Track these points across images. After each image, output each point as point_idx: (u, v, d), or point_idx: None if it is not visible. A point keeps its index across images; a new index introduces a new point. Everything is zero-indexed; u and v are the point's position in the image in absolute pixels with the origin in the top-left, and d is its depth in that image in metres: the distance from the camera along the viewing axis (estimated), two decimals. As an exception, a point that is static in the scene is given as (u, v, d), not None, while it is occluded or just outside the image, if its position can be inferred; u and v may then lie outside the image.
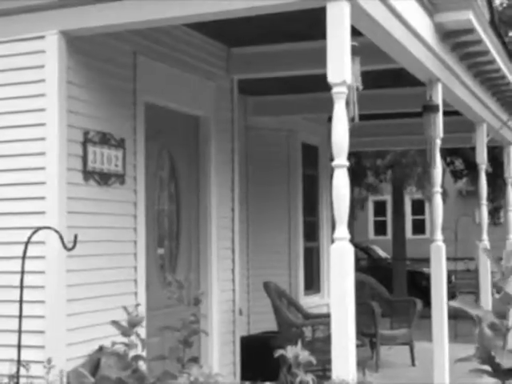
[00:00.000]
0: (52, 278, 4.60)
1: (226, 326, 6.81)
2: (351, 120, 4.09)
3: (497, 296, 3.13)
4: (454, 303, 3.20)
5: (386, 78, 7.52)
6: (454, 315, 11.44)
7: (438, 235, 6.12)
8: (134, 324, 3.38)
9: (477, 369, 3.04)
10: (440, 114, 6.04)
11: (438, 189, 6.14)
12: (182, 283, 3.68)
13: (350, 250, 3.89)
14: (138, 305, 4.25)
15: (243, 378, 7.07)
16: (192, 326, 3.54)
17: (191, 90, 6.43)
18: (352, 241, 3.99)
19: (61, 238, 4.21)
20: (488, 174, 8.55)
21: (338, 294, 3.85)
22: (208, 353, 6.49)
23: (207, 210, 6.65)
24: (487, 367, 2.95)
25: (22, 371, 4.01)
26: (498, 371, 2.89)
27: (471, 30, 5.80)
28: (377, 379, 7.77)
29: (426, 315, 7.29)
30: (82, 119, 4.96)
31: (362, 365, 6.88)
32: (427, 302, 6.70)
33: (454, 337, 10.86)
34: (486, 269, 8.18)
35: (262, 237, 8.85)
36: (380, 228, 31.35)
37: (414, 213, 30.66)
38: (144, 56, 5.71)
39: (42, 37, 4.72)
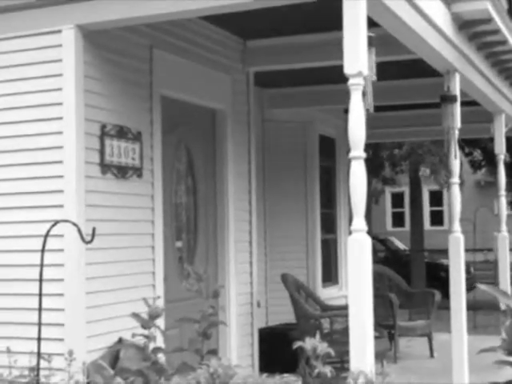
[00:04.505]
0: (71, 271, 4.63)
1: (244, 318, 6.83)
2: (366, 111, 4.07)
3: None
4: (485, 287, 3.14)
5: (404, 68, 7.48)
6: (473, 306, 11.39)
7: (457, 226, 6.09)
8: (154, 316, 3.40)
9: (502, 360, 3.01)
10: (458, 104, 6.01)
11: (456, 179, 6.10)
12: (201, 276, 3.69)
13: (367, 242, 3.88)
14: (157, 297, 4.27)
15: (261, 369, 7.09)
16: (211, 318, 3.55)
17: (207, 83, 6.44)
18: (370, 232, 3.98)
19: (79, 231, 4.23)
20: (507, 164, 8.49)
21: (356, 286, 3.84)
22: (226, 345, 6.51)
23: (224, 202, 6.66)
24: (513, 359, 2.92)
25: (43, 363, 4.04)
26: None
27: (489, 20, 5.75)
28: (395, 371, 7.75)
29: (445, 306, 7.27)
30: (98, 113, 4.98)
31: (380, 356, 6.88)
32: (446, 294, 6.67)
33: (473, 328, 10.82)
34: (505, 260, 8.13)
35: (280, 229, 8.85)
36: (398, 219, 31.26)
37: (431, 204, 30.54)
38: (160, 49, 5.72)
39: (58, 31, 4.74)
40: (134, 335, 3.42)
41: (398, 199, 31.10)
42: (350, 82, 3.91)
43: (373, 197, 21.55)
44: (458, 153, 6.15)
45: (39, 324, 4.17)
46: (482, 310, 12.56)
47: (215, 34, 6.53)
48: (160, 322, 4.50)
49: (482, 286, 3.11)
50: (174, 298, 5.76)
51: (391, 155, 17.06)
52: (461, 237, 6.10)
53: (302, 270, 9.00)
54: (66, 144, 4.69)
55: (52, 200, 4.73)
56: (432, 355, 8.84)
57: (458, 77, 6.06)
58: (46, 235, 4.23)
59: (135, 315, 3.39)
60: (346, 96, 3.97)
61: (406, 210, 27.40)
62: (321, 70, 7.31)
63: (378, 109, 4.29)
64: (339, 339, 6.31)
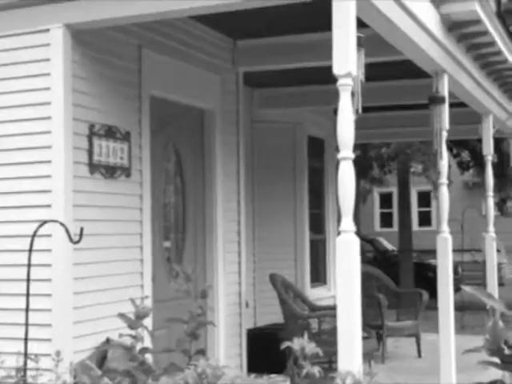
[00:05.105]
0: (58, 271, 4.61)
1: (232, 318, 6.82)
2: (355, 112, 4.07)
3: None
4: (470, 289, 3.14)
5: (392, 69, 7.49)
6: (461, 307, 11.44)
7: (445, 227, 6.11)
8: (141, 316, 3.38)
9: (485, 360, 3.01)
10: (446, 105, 6.02)
11: (444, 180, 6.12)
12: (189, 276, 3.69)
13: (355, 242, 3.88)
14: (145, 297, 4.25)
15: (250, 370, 7.09)
16: (199, 319, 3.54)
17: (197, 83, 6.43)
18: (358, 233, 3.98)
19: (67, 231, 4.21)
20: (494, 165, 8.53)
21: (344, 286, 3.85)
22: (214, 345, 6.50)
23: (213, 202, 6.66)
24: (496, 359, 2.93)
25: (30, 364, 4.03)
26: (506, 363, 2.85)
27: (477, 21, 5.77)
28: (383, 371, 7.77)
29: (433, 307, 7.29)
30: (87, 112, 4.96)
31: (368, 356, 6.90)
32: (434, 294, 6.69)
33: (461, 328, 10.86)
34: (492, 260, 8.17)
35: (268, 229, 8.85)
36: (386, 220, 31.30)
37: (420, 205, 30.61)
38: (149, 49, 5.70)
39: (46, 30, 4.73)
40: (120, 335, 3.40)
41: (386, 200, 31.15)
42: (339, 82, 3.91)
43: (360, 196, 21.58)
44: (446, 153, 6.17)
45: (26, 324, 4.15)
46: (469, 310, 12.61)
47: (205, 33, 6.52)
48: (148, 322, 4.49)
49: (466, 288, 3.10)
50: (163, 298, 5.75)
51: (379, 155, 17.13)
52: (449, 237, 6.12)
53: (291, 270, 9.00)
54: (55, 144, 4.67)
55: (40, 200, 4.71)
56: (420, 355, 8.87)
57: (446, 78, 6.07)
58: (34, 235, 4.22)
59: (122, 315, 3.38)
60: (335, 96, 3.97)
61: (395, 210, 27.44)
62: (310, 71, 7.31)
63: (366, 109, 4.29)
64: (327, 339, 6.33)
